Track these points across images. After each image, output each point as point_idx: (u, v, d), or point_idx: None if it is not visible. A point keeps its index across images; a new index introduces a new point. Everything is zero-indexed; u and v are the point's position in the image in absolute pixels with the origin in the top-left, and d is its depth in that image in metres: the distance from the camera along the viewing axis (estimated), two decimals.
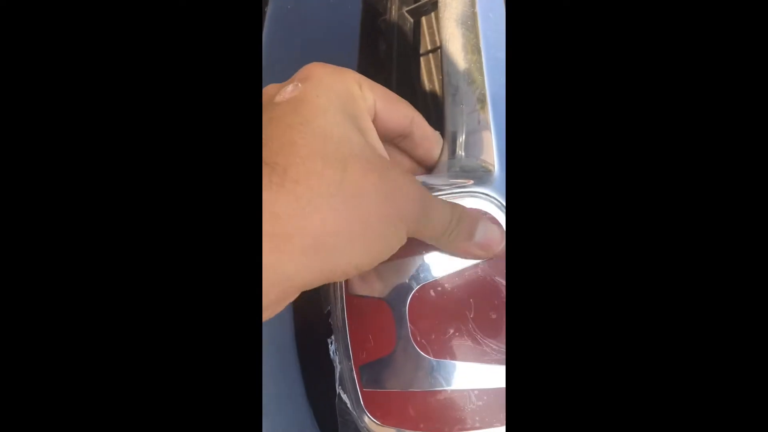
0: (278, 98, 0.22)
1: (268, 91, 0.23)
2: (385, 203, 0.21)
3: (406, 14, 0.42)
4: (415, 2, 0.43)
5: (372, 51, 0.40)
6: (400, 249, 0.25)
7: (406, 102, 0.27)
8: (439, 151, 0.29)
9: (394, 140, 0.27)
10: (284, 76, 0.24)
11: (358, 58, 0.39)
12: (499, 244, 0.25)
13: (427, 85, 0.45)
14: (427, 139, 0.28)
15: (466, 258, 0.25)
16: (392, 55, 0.41)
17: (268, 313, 0.20)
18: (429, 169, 0.29)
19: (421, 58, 0.46)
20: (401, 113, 0.26)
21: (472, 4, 0.32)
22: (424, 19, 0.45)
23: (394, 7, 0.42)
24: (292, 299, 0.21)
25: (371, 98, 0.24)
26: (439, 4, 0.34)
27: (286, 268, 0.19)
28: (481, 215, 0.25)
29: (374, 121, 0.25)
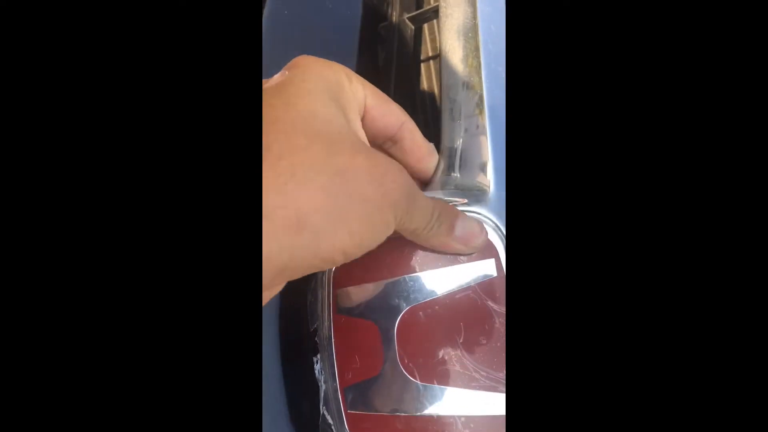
0: (265, 85, 0.21)
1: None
2: (372, 185, 0.20)
3: (407, 21, 0.41)
4: (417, 9, 0.42)
5: (371, 59, 0.40)
6: (390, 268, 0.24)
7: (398, 105, 0.26)
8: (432, 164, 0.28)
9: (383, 145, 0.26)
10: None
11: (356, 66, 0.38)
12: (479, 237, 0.24)
13: (427, 95, 0.45)
14: (418, 147, 0.27)
15: (446, 253, 0.24)
16: (392, 63, 0.40)
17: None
18: (423, 183, 0.29)
19: (422, 65, 0.45)
20: (392, 114, 0.25)
21: (474, 16, 0.31)
22: (425, 26, 0.44)
23: (395, 13, 0.41)
24: (275, 287, 0.20)
25: (361, 92, 0.23)
26: (440, 14, 0.33)
27: (266, 246, 0.17)
28: (458, 211, 0.24)
29: (363, 118, 0.24)
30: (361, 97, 0.23)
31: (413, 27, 0.42)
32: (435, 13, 0.40)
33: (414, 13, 0.41)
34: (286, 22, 0.33)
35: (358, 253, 0.20)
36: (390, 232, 0.21)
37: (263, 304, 0.20)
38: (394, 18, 0.41)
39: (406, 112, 0.26)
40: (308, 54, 0.24)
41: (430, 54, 0.46)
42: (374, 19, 0.41)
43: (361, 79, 0.24)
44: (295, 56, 0.23)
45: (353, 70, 0.38)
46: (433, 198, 0.23)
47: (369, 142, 0.25)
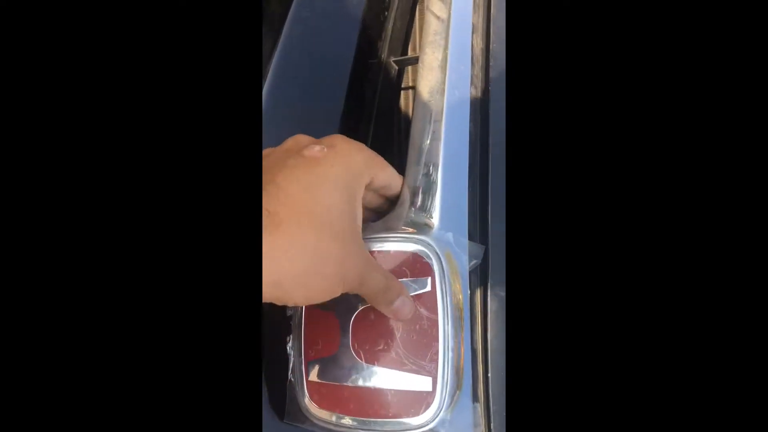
0: (306, 152, 0.29)
1: (299, 140, 0.31)
2: (335, 267, 0.28)
3: (393, 62, 0.48)
4: (402, 54, 0.49)
5: (359, 90, 0.47)
6: None
7: (391, 169, 0.34)
8: (398, 189, 0.36)
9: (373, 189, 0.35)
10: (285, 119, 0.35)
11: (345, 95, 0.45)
12: (407, 315, 0.32)
13: (404, 122, 0.52)
14: (396, 187, 0.36)
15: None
16: (375, 93, 0.47)
17: None
18: (392, 202, 0.36)
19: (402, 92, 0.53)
20: (387, 179, 0.34)
21: (443, 81, 0.39)
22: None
23: (383, 54, 0.49)
24: None
25: (372, 174, 0.32)
26: (418, 73, 0.40)
27: None
28: (403, 290, 0.32)
29: (368, 184, 0.32)
30: (371, 174, 0.32)
31: (396, 68, 0.49)
32: (416, 60, 0.48)
33: (399, 58, 0.48)
34: (291, 66, 0.41)
35: (307, 303, 0.29)
36: (336, 296, 0.29)
37: None
38: (383, 57, 0.49)
39: (394, 171, 0.35)
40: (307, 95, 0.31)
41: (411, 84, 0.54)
42: (364, 55, 0.48)
43: (376, 159, 0.33)
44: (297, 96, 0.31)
45: (342, 98, 0.45)
46: (388, 277, 0.31)
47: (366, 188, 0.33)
